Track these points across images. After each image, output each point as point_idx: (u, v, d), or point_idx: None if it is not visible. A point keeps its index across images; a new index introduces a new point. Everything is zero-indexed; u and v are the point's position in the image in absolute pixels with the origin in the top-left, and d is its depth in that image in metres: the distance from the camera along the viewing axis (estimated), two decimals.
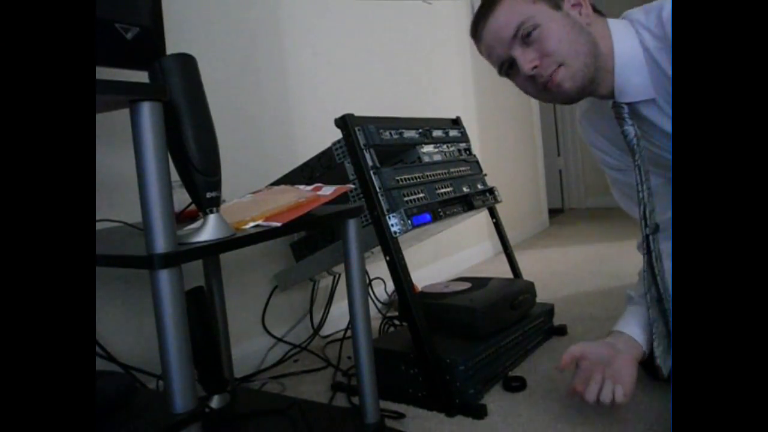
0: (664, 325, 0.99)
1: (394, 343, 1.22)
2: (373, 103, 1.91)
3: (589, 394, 0.91)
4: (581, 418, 1.00)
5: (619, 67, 0.92)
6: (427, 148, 1.33)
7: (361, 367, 0.96)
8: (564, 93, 0.93)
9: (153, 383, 1.10)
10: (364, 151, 1.16)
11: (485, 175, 1.48)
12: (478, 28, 0.99)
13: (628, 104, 0.94)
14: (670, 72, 0.88)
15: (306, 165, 1.27)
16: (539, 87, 0.94)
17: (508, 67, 0.97)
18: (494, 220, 1.54)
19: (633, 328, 1.02)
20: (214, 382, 1.06)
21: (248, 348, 1.40)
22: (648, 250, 0.98)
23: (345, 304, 0.99)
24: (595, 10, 0.96)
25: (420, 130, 1.34)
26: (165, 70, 0.72)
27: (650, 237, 0.98)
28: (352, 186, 1.17)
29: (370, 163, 1.16)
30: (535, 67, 0.92)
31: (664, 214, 1.04)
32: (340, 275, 1.52)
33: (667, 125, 0.94)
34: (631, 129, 0.95)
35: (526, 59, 0.92)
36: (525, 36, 0.91)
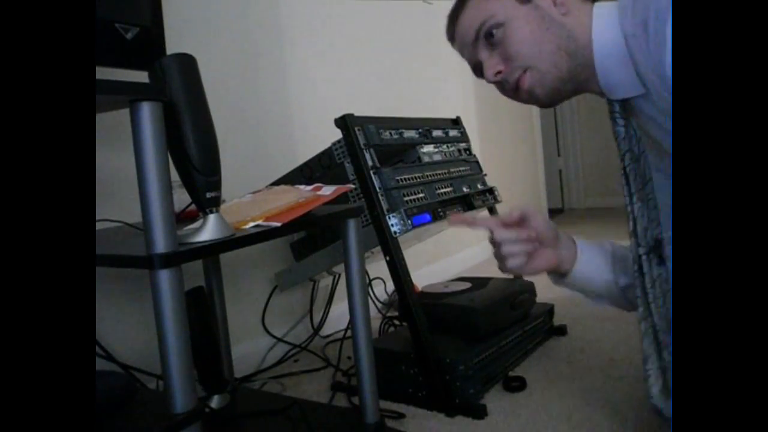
0: (659, 359, 0.86)
1: (394, 343, 1.22)
2: (373, 103, 1.91)
3: (507, 251, 0.90)
4: (581, 418, 1.00)
5: (599, 61, 0.81)
6: (427, 148, 1.33)
7: (361, 367, 0.96)
8: (537, 99, 0.86)
9: (153, 383, 1.10)
10: (364, 151, 1.16)
11: (485, 175, 1.48)
12: (450, 30, 0.94)
13: (621, 101, 0.84)
14: (641, 64, 0.78)
15: (306, 165, 1.27)
16: (509, 93, 0.88)
17: (480, 70, 0.89)
18: None
19: (588, 247, 0.97)
20: (214, 382, 1.07)
21: (248, 348, 1.40)
22: (641, 273, 0.86)
23: (345, 304, 0.99)
24: None
25: (420, 130, 1.34)
26: (165, 70, 0.72)
27: (643, 257, 0.86)
28: (352, 186, 1.17)
29: (370, 163, 1.16)
30: (499, 72, 0.85)
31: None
32: (340, 275, 1.52)
33: (662, 121, 0.81)
34: (621, 130, 0.85)
35: (489, 65, 0.85)
36: (487, 36, 0.84)
